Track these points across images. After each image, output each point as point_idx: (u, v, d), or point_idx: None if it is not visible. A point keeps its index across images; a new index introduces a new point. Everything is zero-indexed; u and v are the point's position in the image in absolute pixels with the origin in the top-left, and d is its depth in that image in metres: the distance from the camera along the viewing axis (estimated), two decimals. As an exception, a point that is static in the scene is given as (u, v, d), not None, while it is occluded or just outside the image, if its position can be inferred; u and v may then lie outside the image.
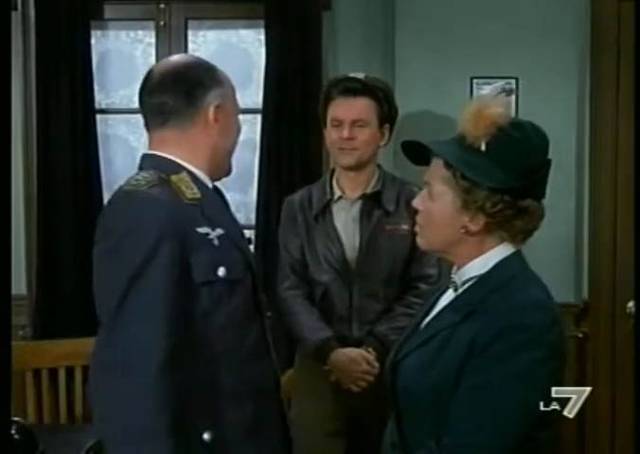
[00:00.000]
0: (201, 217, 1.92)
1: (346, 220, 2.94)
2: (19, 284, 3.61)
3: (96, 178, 3.62)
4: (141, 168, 2.01)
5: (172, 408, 1.80)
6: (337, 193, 2.96)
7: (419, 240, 1.85)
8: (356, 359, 2.84)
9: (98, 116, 3.70)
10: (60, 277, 3.61)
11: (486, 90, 3.41)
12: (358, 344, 2.88)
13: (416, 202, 1.83)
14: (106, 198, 3.68)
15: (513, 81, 3.40)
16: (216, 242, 1.92)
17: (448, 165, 1.74)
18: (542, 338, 1.66)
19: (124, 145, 3.87)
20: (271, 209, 3.50)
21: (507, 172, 1.70)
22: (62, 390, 3.38)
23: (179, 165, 1.97)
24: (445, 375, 1.70)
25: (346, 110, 2.87)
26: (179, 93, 1.96)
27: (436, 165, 1.78)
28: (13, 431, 2.42)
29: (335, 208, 2.95)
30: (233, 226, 2.03)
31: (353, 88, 2.87)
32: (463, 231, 1.75)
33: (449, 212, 1.75)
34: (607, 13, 3.46)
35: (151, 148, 2.03)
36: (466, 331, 1.70)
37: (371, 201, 2.93)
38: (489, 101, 1.75)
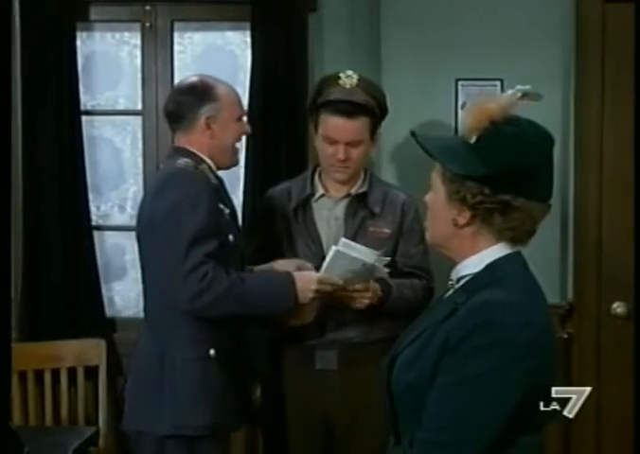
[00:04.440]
0: (217, 196, 2.64)
1: (327, 219, 2.91)
2: (4, 286, 3.59)
3: (81, 179, 3.60)
4: (169, 157, 2.73)
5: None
6: (319, 191, 2.93)
7: (426, 234, 1.89)
8: (321, 278, 2.67)
9: (84, 118, 3.69)
10: (46, 279, 3.58)
11: (472, 91, 3.42)
12: (327, 347, 2.84)
13: (425, 197, 1.86)
14: (92, 199, 3.68)
15: (498, 83, 3.41)
16: (228, 217, 2.68)
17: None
18: (511, 338, 1.64)
19: (110, 146, 3.85)
20: (257, 210, 3.50)
21: (489, 165, 1.69)
22: (48, 392, 3.38)
23: (201, 158, 2.68)
24: (422, 372, 1.70)
25: (342, 131, 2.80)
26: (180, 107, 2.70)
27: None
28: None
29: (316, 206, 2.92)
30: (234, 209, 2.78)
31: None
32: (453, 224, 1.76)
33: (441, 204, 1.77)
34: (592, 15, 3.46)
35: (174, 144, 2.77)
36: (443, 329, 1.71)
37: (356, 202, 2.91)
38: (495, 98, 1.75)
